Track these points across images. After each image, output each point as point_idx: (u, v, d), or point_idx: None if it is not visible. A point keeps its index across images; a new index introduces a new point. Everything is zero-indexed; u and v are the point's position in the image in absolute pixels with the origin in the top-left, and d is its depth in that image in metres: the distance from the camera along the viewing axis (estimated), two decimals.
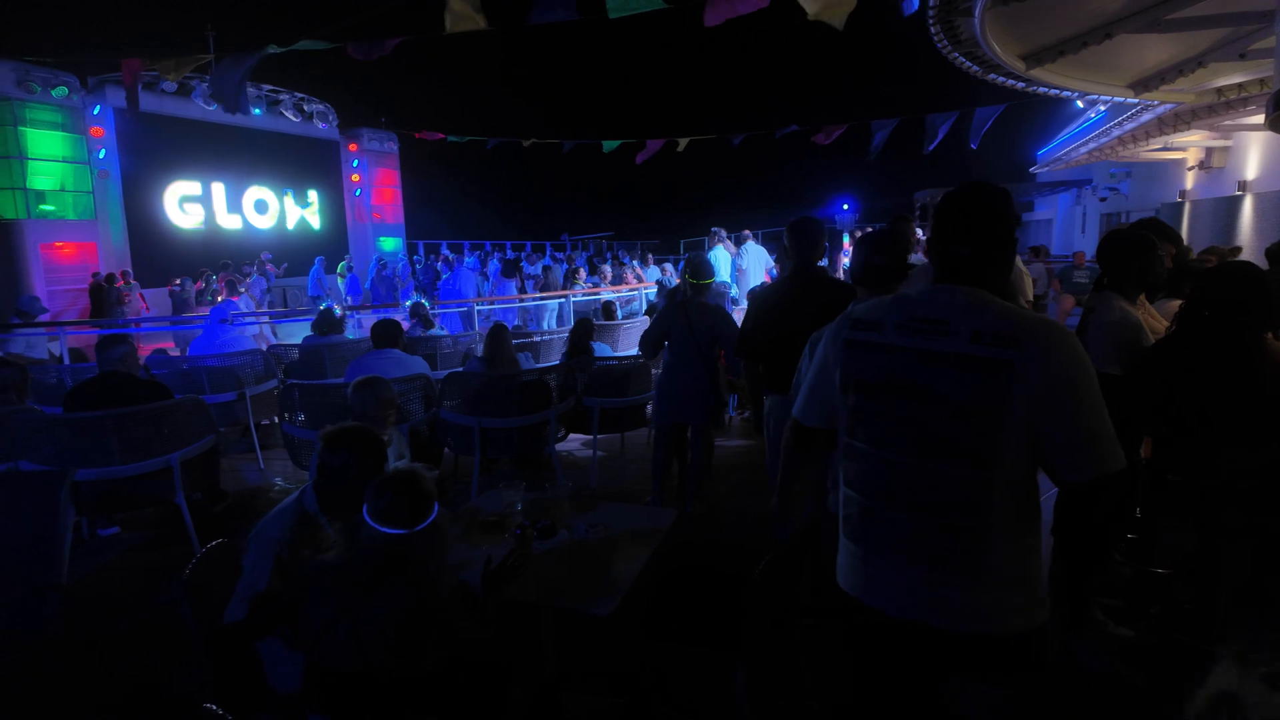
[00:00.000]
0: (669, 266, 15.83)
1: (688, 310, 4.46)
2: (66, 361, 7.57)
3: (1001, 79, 8.28)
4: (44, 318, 11.09)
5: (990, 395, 1.41)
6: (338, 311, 6.85)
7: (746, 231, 9.51)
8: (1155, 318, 3.29)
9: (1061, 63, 7.56)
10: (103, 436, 3.86)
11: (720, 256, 9.10)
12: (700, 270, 4.60)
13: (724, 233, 9.20)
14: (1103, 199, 21.55)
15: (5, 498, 2.81)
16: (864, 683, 1.67)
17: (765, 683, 1.97)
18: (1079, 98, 10.99)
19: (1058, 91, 8.96)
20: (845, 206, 21.25)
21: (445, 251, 19.86)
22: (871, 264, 2.67)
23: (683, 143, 14.50)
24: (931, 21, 6.59)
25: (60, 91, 14.07)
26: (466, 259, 16.99)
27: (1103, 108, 15.12)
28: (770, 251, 9.30)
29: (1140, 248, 3.04)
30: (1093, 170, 21.91)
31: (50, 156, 14.13)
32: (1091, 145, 16.80)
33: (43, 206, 14.01)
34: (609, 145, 15.21)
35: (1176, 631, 3.03)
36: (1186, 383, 2.69)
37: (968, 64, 7.75)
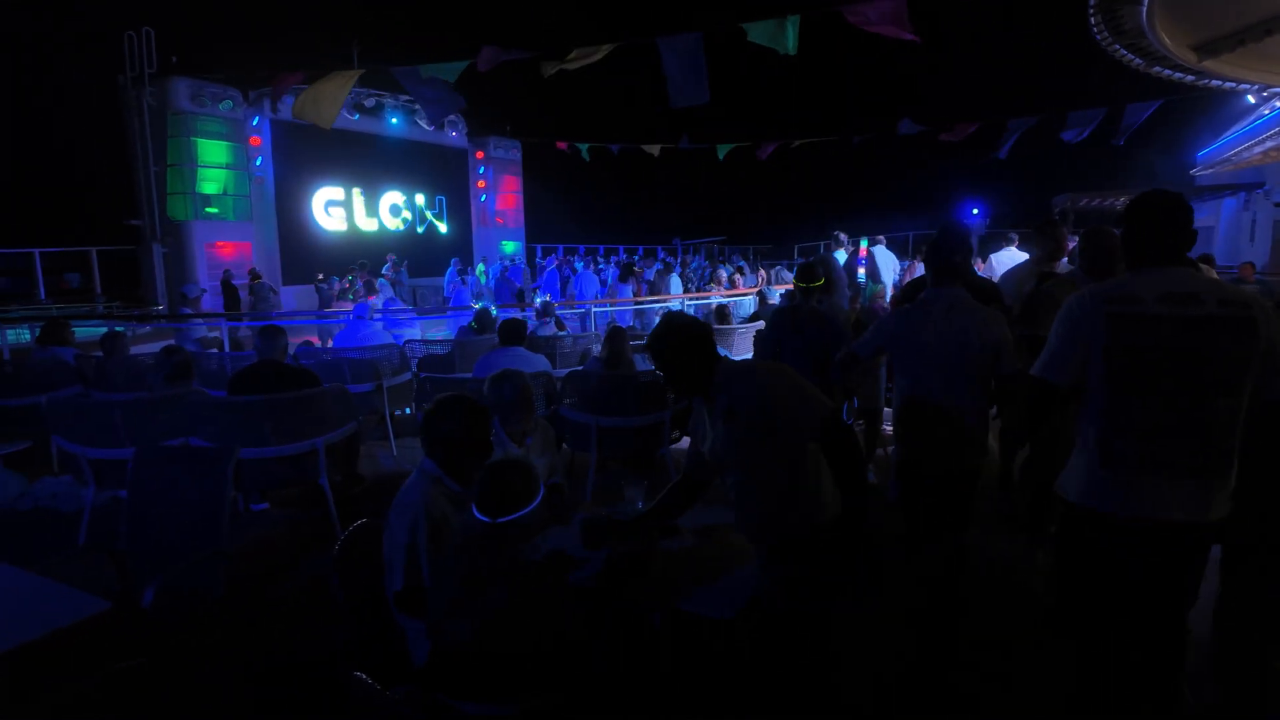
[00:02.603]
0: (783, 272, 15.56)
1: (797, 316, 4.33)
2: (227, 349, 8.29)
3: (1168, 72, 7.54)
4: (204, 307, 12.27)
5: (1242, 344, 1.93)
6: (494, 312, 7.20)
7: (880, 236, 9.20)
8: None
9: (1241, 53, 6.77)
10: (260, 419, 4.19)
11: (841, 261, 8.80)
12: (810, 274, 4.46)
13: (846, 236, 8.89)
14: (1278, 204, 19.32)
15: (182, 470, 3.09)
16: (1112, 578, 2.12)
17: None
18: (1257, 91, 9.87)
19: (1233, 84, 8.07)
20: (975, 211, 20.11)
21: (560, 255, 20.36)
22: (954, 262, 2.98)
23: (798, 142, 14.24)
24: (1092, 11, 6.07)
25: (226, 105, 15.51)
26: (577, 264, 17.37)
27: None
28: (901, 257, 9.01)
29: None
30: (1266, 172, 19.65)
31: (215, 163, 15.56)
32: (1269, 144, 15.08)
33: (208, 209, 15.46)
34: (723, 149, 15.15)
35: None
36: None
37: (1130, 56, 7.11)
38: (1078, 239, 3.65)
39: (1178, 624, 2.13)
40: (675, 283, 13.82)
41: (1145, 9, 5.89)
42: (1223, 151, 19.29)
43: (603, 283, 14.20)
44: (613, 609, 2.34)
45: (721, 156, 15.03)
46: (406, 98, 18.69)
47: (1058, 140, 10.18)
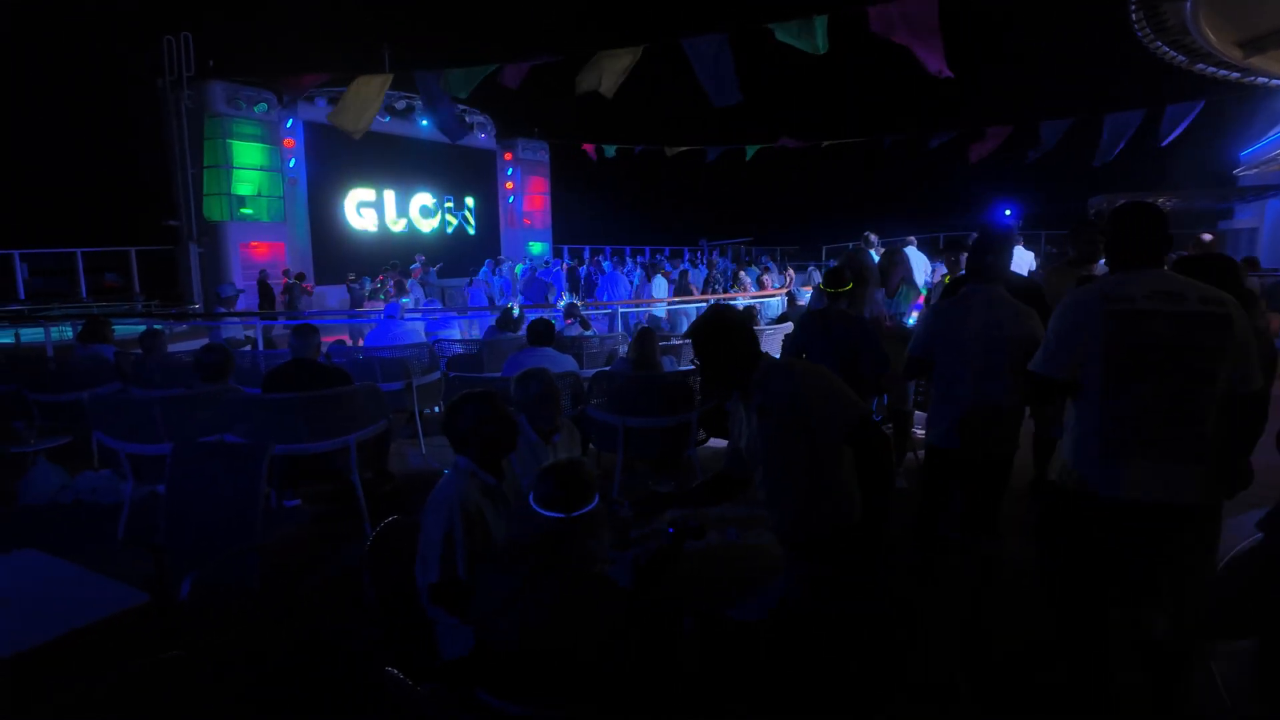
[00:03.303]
0: (814, 273, 15.43)
1: (825, 319, 4.29)
2: (261, 348, 8.43)
3: (1211, 69, 7.32)
4: (239, 307, 12.51)
5: (1219, 337, 2.11)
6: (516, 312, 7.24)
7: (911, 237, 9.10)
8: None
9: None
10: (294, 416, 4.25)
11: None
12: (836, 278, 4.42)
13: (876, 238, 8.79)
14: None
15: (218, 465, 3.14)
16: (1098, 555, 2.30)
17: None
18: None
19: None
20: (1008, 212, 19.73)
21: (585, 256, 20.42)
22: (985, 261, 3.19)
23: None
24: (1133, 8, 5.92)
25: (261, 108, 15.80)
26: (605, 265, 17.38)
27: None
28: (932, 258, 8.90)
29: None
30: None
31: (250, 165, 15.87)
32: None
33: (243, 210, 15.77)
34: (751, 151, 15.10)
35: None
36: None
37: (1172, 53, 6.93)
38: None
39: (1170, 603, 2.29)
40: (660, 284, 13.68)
41: (1189, 5, 5.72)
42: (1268, 150, 18.74)
43: (632, 284, 14.20)
44: (642, 611, 2.34)
45: (749, 157, 15.00)
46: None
47: (1094, 140, 9.99)
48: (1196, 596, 2.26)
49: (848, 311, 4.38)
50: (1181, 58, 7.00)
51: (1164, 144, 8.70)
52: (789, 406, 2.29)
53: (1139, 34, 6.53)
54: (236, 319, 11.17)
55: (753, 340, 2.41)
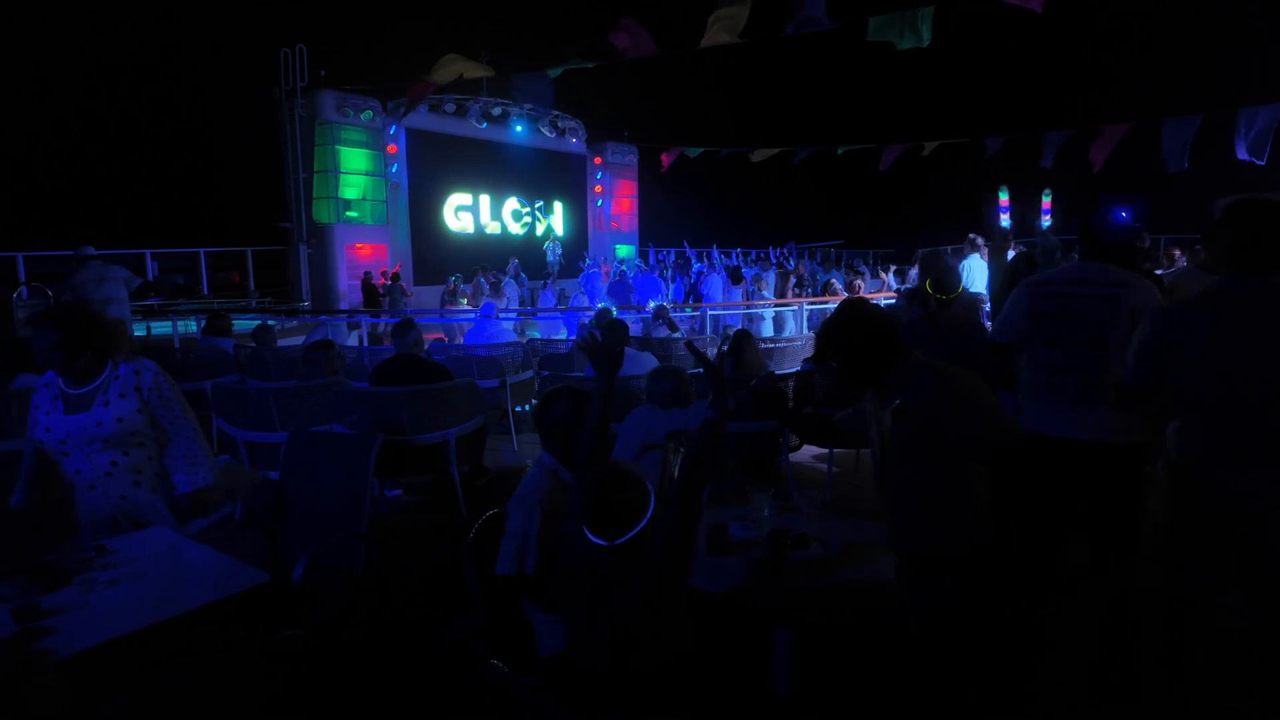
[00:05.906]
0: (911, 272, 14.87)
1: (935, 325, 4.09)
2: (365, 344, 8.81)
3: None
4: (343, 305, 13.09)
5: (1111, 311, 2.65)
6: (614, 311, 7.32)
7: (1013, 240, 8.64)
8: None
9: None
10: (398, 409, 4.40)
11: (975, 266, 8.30)
12: (944, 282, 4.21)
13: (981, 240, 8.40)
14: None
15: (329, 455, 3.27)
16: (1040, 483, 2.81)
17: None
18: None
19: None
20: (1123, 214, 18.41)
21: (668, 261, 20.38)
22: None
23: (929, 147, 13.59)
24: None
25: (367, 115, 16.54)
26: (697, 267, 17.27)
27: None
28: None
29: None
30: None
31: (356, 170, 16.61)
32: None
33: (349, 213, 16.53)
34: (843, 149, 14.69)
35: None
36: None
37: None
38: None
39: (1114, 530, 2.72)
40: (655, 282, 13.18)
41: None
42: None
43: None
44: (733, 619, 2.28)
45: (840, 153, 14.60)
46: (530, 106, 19.29)
47: (1224, 138, 9.21)
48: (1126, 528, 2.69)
49: (957, 314, 4.18)
50: None
51: None
52: (930, 413, 2.16)
53: None
54: (366, 318, 11.65)
55: (890, 336, 2.29)
